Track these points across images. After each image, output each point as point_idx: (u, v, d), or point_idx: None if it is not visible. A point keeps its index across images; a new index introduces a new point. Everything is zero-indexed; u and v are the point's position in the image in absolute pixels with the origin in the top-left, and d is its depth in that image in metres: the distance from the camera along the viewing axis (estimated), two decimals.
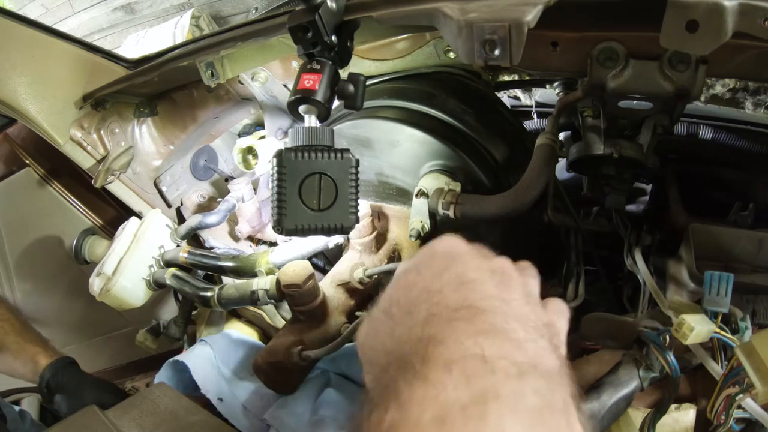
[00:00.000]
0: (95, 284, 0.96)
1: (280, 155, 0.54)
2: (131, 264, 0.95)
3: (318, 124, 0.57)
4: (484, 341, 0.30)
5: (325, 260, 1.05)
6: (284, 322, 0.89)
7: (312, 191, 0.54)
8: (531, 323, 0.34)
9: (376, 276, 0.81)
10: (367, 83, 0.87)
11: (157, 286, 0.96)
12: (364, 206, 0.82)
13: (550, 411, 0.29)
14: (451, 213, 0.71)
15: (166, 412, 0.72)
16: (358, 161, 0.56)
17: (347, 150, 0.56)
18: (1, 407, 0.92)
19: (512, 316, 0.33)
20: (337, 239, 0.84)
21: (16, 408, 0.99)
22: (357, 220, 0.57)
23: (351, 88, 0.59)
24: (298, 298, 0.75)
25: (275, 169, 0.54)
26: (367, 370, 0.35)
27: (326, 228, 0.56)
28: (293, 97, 0.56)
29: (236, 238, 1.10)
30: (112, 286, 0.93)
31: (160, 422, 0.70)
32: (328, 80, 0.57)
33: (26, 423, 0.98)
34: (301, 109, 0.57)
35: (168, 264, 0.96)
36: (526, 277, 0.39)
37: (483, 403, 0.27)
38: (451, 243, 0.39)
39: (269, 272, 0.83)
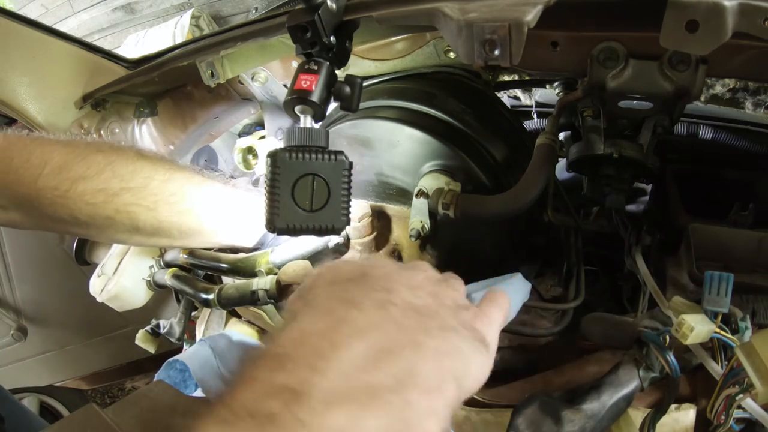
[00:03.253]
0: (96, 285, 0.96)
1: (274, 155, 0.54)
2: (132, 265, 0.95)
3: (314, 125, 0.57)
4: (357, 290, 0.38)
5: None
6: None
7: (305, 192, 0.55)
8: (429, 288, 0.42)
9: None
10: (367, 83, 0.87)
11: (157, 286, 0.96)
12: (364, 206, 0.82)
13: (411, 344, 0.35)
14: (451, 213, 0.71)
15: (165, 409, 0.72)
16: (351, 164, 0.57)
17: (341, 152, 0.56)
18: (2, 405, 0.92)
19: (399, 277, 0.42)
20: (337, 239, 0.84)
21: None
22: (348, 222, 0.58)
23: (347, 90, 0.59)
24: None
25: (269, 168, 0.55)
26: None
27: (317, 228, 0.56)
28: (289, 97, 0.57)
29: None
30: (113, 287, 0.93)
31: (159, 419, 0.70)
32: (325, 81, 0.57)
33: (26, 421, 0.98)
34: (297, 109, 0.57)
35: (168, 264, 0.96)
36: (448, 279, 0.46)
37: (335, 326, 0.34)
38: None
39: (269, 272, 0.83)
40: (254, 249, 0.84)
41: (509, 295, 0.47)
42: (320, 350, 0.32)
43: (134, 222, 0.72)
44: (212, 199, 0.76)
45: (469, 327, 0.40)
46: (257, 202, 0.80)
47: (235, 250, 0.94)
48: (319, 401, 0.29)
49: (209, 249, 0.96)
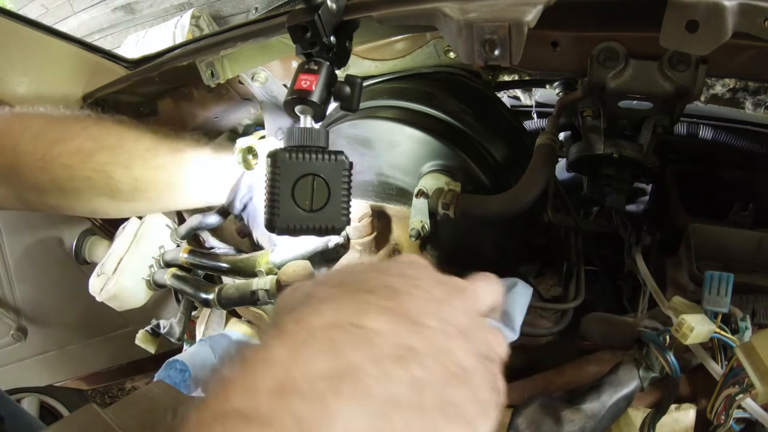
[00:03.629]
0: (95, 284, 0.96)
1: (274, 155, 0.55)
2: (131, 264, 0.95)
3: (314, 125, 0.57)
4: (375, 315, 0.27)
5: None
6: None
7: (305, 192, 0.55)
8: (459, 327, 0.29)
9: None
10: (367, 83, 0.87)
11: (157, 286, 0.96)
12: (364, 206, 0.82)
13: (414, 409, 0.24)
14: (451, 213, 0.71)
15: (165, 410, 0.72)
16: (351, 164, 0.57)
17: (341, 152, 0.56)
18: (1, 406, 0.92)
19: (435, 310, 0.29)
20: (337, 239, 0.84)
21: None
22: (348, 222, 0.58)
23: (347, 90, 0.59)
24: None
25: (269, 168, 0.55)
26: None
27: (317, 228, 0.57)
28: (289, 97, 0.57)
29: (236, 239, 1.10)
30: (113, 287, 0.93)
31: (159, 419, 0.70)
32: (325, 81, 0.57)
33: (25, 421, 0.98)
34: (297, 109, 0.57)
35: (168, 264, 0.96)
36: (495, 334, 0.34)
37: (333, 379, 0.24)
38: (412, 256, 0.37)
39: (269, 272, 0.83)
40: (227, 211, 0.86)
41: (516, 306, 0.46)
42: (306, 422, 0.22)
43: (112, 182, 0.73)
44: (185, 154, 0.78)
45: (496, 397, 0.30)
46: (226, 158, 0.83)
47: (238, 250, 0.94)
48: None
49: (209, 249, 0.96)
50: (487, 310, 0.34)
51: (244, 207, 0.85)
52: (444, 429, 0.25)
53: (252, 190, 0.82)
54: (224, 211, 0.90)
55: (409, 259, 0.35)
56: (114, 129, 0.75)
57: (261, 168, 0.73)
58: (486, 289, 0.36)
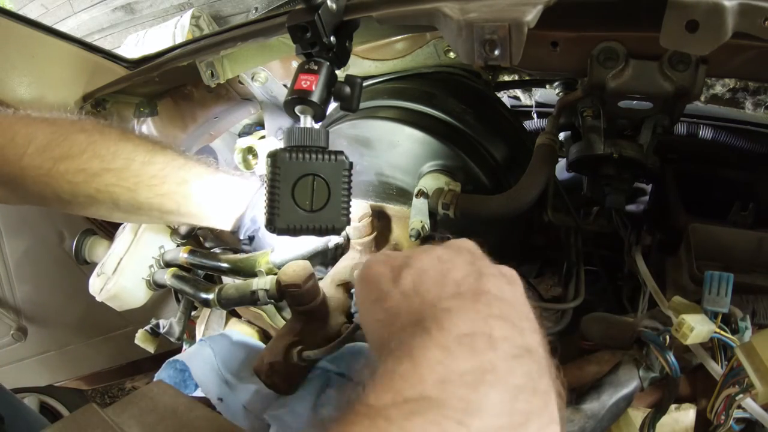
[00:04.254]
0: (95, 284, 0.95)
1: (274, 155, 0.54)
2: (131, 264, 0.95)
3: (314, 125, 0.57)
4: (495, 324, 0.35)
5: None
6: (284, 323, 0.89)
7: (305, 192, 0.55)
8: (531, 318, 0.39)
9: None
10: (367, 83, 0.87)
11: (157, 286, 0.96)
12: (364, 206, 0.82)
13: (533, 391, 0.33)
14: (451, 213, 0.71)
15: (165, 410, 0.72)
16: (351, 164, 0.57)
17: (341, 152, 0.56)
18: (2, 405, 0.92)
19: (518, 309, 0.39)
20: (337, 239, 0.84)
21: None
22: (348, 222, 0.58)
23: (347, 90, 0.59)
24: (298, 298, 0.75)
25: (269, 169, 0.55)
26: (376, 318, 0.39)
27: (317, 228, 0.57)
28: (289, 97, 0.57)
29: (236, 239, 1.10)
30: (112, 286, 0.93)
31: (160, 419, 0.70)
32: (325, 81, 0.57)
33: (25, 422, 0.98)
34: (297, 109, 0.57)
35: (168, 264, 0.96)
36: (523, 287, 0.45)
37: (480, 373, 0.32)
38: (472, 245, 0.44)
39: (269, 272, 0.83)
40: (235, 234, 0.85)
41: None
42: (468, 402, 0.31)
43: (115, 201, 0.74)
44: (192, 183, 0.77)
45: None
46: (237, 184, 0.81)
47: (236, 250, 0.94)
48: None
49: (209, 249, 0.96)
50: (515, 276, 0.43)
51: (250, 239, 0.85)
52: (549, 404, 0.34)
53: (256, 223, 0.82)
54: None
55: (471, 248, 0.43)
56: (121, 148, 0.73)
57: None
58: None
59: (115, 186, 0.72)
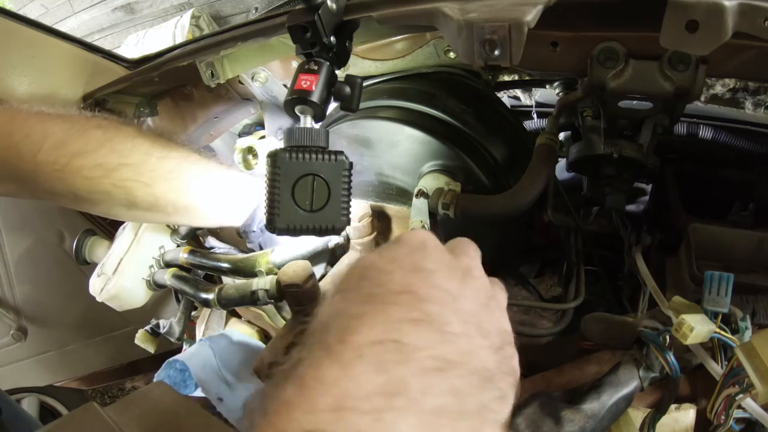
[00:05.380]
0: (95, 285, 0.96)
1: (274, 155, 0.55)
2: (131, 264, 0.95)
3: (314, 125, 0.57)
4: (409, 329, 0.28)
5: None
6: (284, 323, 0.89)
7: (305, 192, 0.55)
8: (476, 321, 0.32)
9: None
10: (367, 83, 0.87)
11: (157, 286, 0.96)
12: (364, 206, 0.82)
13: (457, 415, 0.27)
14: (450, 213, 0.71)
15: (166, 412, 0.72)
16: (351, 164, 0.57)
17: (341, 152, 0.56)
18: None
19: (454, 310, 0.31)
20: (337, 239, 0.84)
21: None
22: (348, 222, 0.58)
23: (347, 90, 0.59)
24: (298, 298, 0.75)
25: (269, 169, 0.55)
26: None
27: (317, 228, 0.57)
28: (290, 98, 0.57)
29: (236, 239, 1.10)
30: (113, 287, 0.93)
31: (161, 422, 0.70)
32: (325, 81, 0.57)
33: (23, 421, 0.98)
34: (297, 109, 0.57)
35: (168, 264, 0.96)
36: (495, 287, 0.38)
37: (386, 395, 0.26)
38: (422, 236, 0.37)
39: (269, 272, 0.83)
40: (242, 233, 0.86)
41: None
42: None
43: (131, 197, 0.73)
44: (207, 178, 0.77)
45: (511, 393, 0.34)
46: (248, 181, 0.82)
47: (238, 250, 0.94)
48: None
49: (209, 249, 0.96)
50: (481, 272, 0.38)
51: (263, 231, 0.85)
52: (484, 426, 0.28)
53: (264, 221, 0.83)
54: None
55: (416, 243, 0.36)
56: (138, 144, 0.74)
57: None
58: (472, 251, 0.40)
59: (132, 181, 0.72)
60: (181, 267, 0.95)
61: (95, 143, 0.71)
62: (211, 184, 0.78)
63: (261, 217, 0.82)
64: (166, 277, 0.92)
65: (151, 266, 0.97)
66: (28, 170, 0.70)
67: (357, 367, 0.27)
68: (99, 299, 0.95)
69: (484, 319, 0.33)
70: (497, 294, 0.38)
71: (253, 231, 0.84)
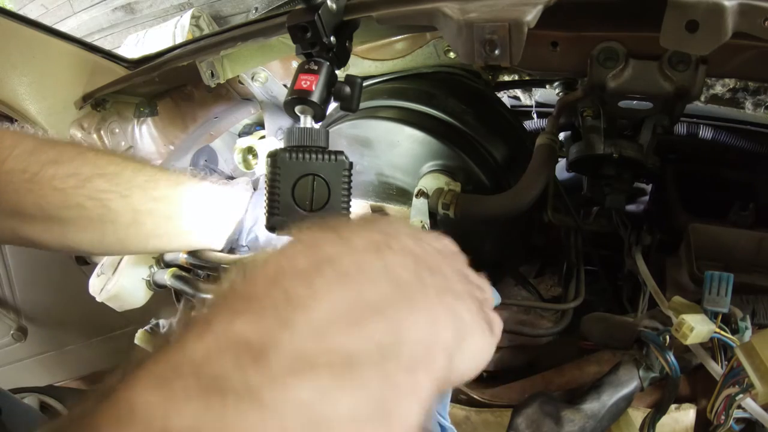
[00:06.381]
0: (95, 285, 0.96)
1: (274, 155, 0.55)
2: (131, 264, 0.95)
3: (314, 125, 0.57)
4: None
5: None
6: None
7: (305, 192, 0.55)
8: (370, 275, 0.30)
9: None
10: (367, 83, 0.87)
11: (157, 286, 0.96)
12: (364, 206, 0.82)
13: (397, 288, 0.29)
14: (450, 213, 0.71)
15: None
16: (351, 164, 0.57)
17: (341, 152, 0.56)
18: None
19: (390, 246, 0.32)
20: None
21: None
22: None
23: (347, 90, 0.59)
24: None
25: (269, 169, 0.55)
26: None
27: None
28: (290, 98, 0.57)
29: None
30: (113, 287, 0.93)
31: None
32: (325, 81, 0.57)
33: (26, 418, 0.98)
34: (297, 109, 0.57)
35: (168, 264, 0.96)
36: (455, 260, 0.38)
37: (319, 264, 0.28)
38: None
39: None
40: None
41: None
42: (294, 295, 0.26)
43: (107, 212, 0.67)
44: (185, 188, 0.74)
45: (476, 300, 0.34)
46: (228, 195, 0.79)
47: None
48: (281, 366, 0.23)
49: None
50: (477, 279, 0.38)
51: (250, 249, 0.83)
52: (419, 301, 0.29)
53: (257, 221, 0.81)
54: None
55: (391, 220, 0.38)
56: (113, 158, 0.70)
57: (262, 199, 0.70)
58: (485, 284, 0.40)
59: (107, 192, 0.67)
60: (180, 267, 0.95)
61: (69, 153, 0.67)
62: (190, 194, 0.74)
63: (249, 225, 0.81)
64: (166, 277, 0.92)
65: (151, 266, 0.97)
66: None
67: (293, 250, 0.29)
68: (99, 299, 0.95)
69: (448, 251, 0.37)
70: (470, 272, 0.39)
71: (243, 246, 0.84)
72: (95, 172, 0.67)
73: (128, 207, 0.68)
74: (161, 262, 0.98)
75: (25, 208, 0.64)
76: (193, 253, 0.93)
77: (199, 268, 0.95)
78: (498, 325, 0.36)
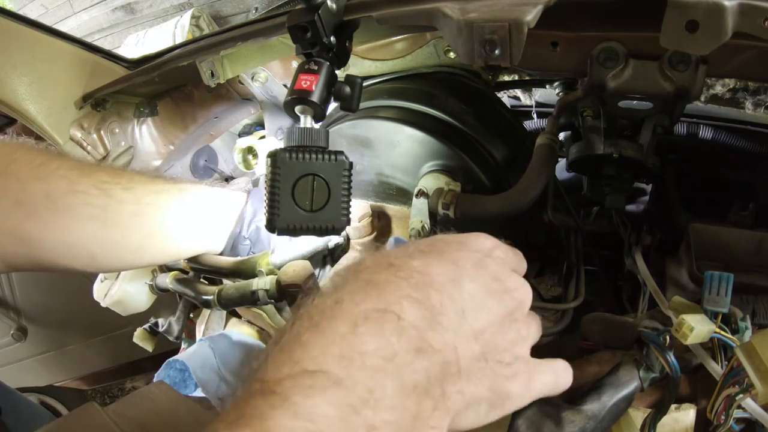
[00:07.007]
0: (99, 290, 0.96)
1: (274, 155, 0.54)
2: (134, 269, 0.95)
3: (314, 125, 0.57)
4: (408, 306, 0.33)
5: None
6: (284, 323, 0.89)
7: (305, 192, 0.55)
8: (472, 320, 0.37)
9: None
10: (367, 83, 0.87)
11: (159, 290, 0.97)
12: (364, 206, 0.82)
13: (424, 392, 0.32)
14: (451, 213, 0.71)
15: (166, 412, 0.72)
16: (351, 164, 0.57)
17: (341, 152, 0.56)
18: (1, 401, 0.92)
19: (450, 297, 0.36)
20: (337, 239, 0.84)
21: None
22: (348, 222, 0.58)
23: (347, 90, 0.59)
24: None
25: (269, 169, 0.55)
26: None
27: (317, 228, 0.56)
28: (290, 98, 0.57)
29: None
30: (116, 292, 0.93)
31: (161, 422, 0.70)
32: (325, 81, 0.57)
33: (28, 416, 0.98)
34: (297, 109, 0.57)
35: (169, 268, 0.96)
36: (529, 318, 0.43)
37: (380, 359, 0.31)
38: (485, 242, 0.46)
39: (269, 273, 0.83)
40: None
41: None
42: (367, 389, 0.30)
43: (110, 202, 0.67)
44: (184, 184, 0.75)
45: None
46: (222, 198, 0.79)
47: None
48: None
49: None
50: (517, 287, 0.44)
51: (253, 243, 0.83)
52: (437, 409, 0.33)
53: (257, 213, 0.81)
54: None
55: (474, 245, 0.45)
56: (110, 166, 0.75)
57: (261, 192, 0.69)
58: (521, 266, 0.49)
59: (110, 183, 0.68)
60: (182, 270, 0.95)
61: (69, 155, 0.73)
62: (189, 191, 0.76)
63: (249, 221, 0.81)
64: (168, 280, 0.93)
65: (153, 270, 0.97)
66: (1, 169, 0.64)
67: (362, 328, 0.32)
68: (103, 304, 0.95)
69: (469, 315, 0.37)
70: (523, 320, 0.42)
71: (245, 239, 0.83)
72: (97, 168, 0.72)
73: (131, 197, 0.70)
74: (163, 265, 0.98)
75: (32, 195, 0.63)
76: (194, 259, 0.93)
77: (200, 272, 0.95)
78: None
